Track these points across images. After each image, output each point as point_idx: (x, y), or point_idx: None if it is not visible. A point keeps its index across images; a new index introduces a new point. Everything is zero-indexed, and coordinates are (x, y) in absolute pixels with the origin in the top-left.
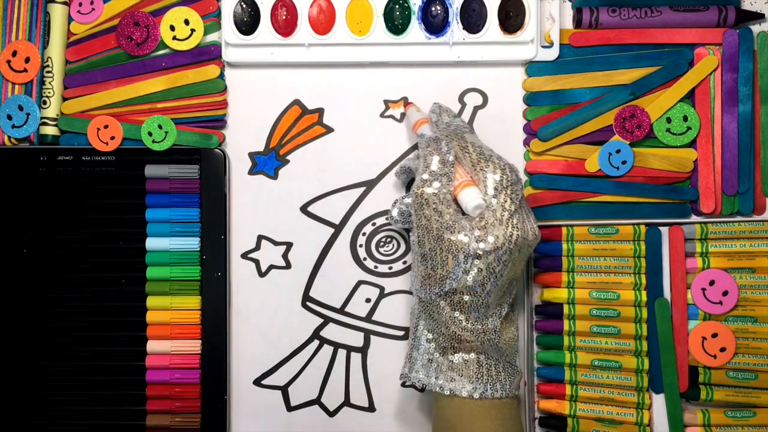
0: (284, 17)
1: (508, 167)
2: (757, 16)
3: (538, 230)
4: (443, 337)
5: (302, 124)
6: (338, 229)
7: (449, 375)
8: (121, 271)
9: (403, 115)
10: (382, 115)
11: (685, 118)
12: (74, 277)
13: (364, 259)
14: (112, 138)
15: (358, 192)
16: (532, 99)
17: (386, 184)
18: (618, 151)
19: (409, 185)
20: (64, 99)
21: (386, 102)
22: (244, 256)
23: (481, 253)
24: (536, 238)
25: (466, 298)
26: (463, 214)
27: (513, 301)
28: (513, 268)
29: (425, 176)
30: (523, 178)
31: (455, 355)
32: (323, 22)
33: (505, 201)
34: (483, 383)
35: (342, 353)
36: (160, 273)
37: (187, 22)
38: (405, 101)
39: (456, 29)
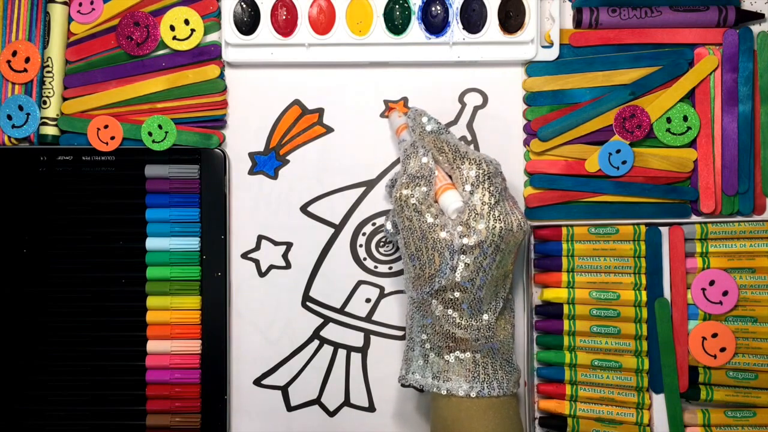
0: (284, 17)
1: (485, 161)
2: (757, 16)
3: (525, 222)
4: (438, 337)
5: (302, 124)
6: (338, 229)
7: (445, 375)
8: (121, 271)
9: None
10: (382, 115)
11: (685, 118)
12: (74, 277)
13: (364, 259)
14: (112, 138)
15: (358, 192)
16: (532, 99)
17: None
18: (618, 151)
19: None
20: (64, 99)
21: (386, 102)
22: (244, 256)
23: (466, 248)
24: (521, 229)
25: (457, 294)
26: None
27: (508, 296)
28: (502, 262)
29: (403, 179)
30: (523, 177)
31: (451, 354)
32: (323, 22)
33: (484, 195)
34: (480, 382)
35: (342, 353)
36: (160, 273)
37: (187, 22)
38: (404, 101)
39: (456, 29)
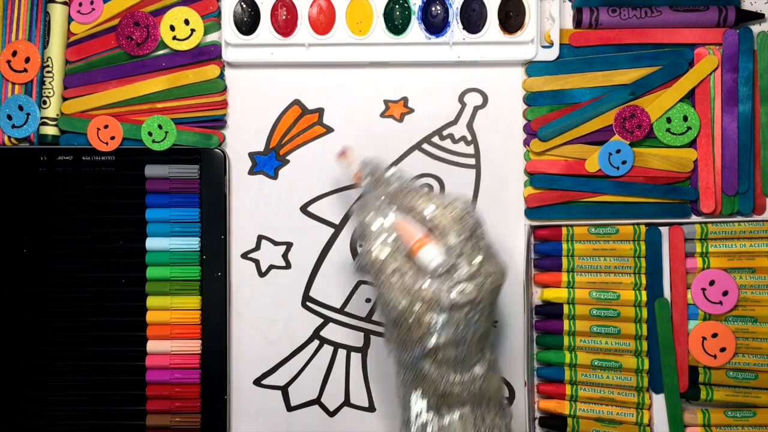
0: (284, 17)
1: (463, 214)
2: (757, 16)
3: (505, 264)
4: (434, 398)
5: (302, 124)
6: (338, 229)
7: None
8: (121, 271)
9: (403, 115)
10: (382, 115)
11: (685, 118)
12: (74, 277)
13: None
14: (112, 138)
15: (358, 192)
16: (532, 99)
17: None
18: (618, 151)
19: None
20: (64, 99)
21: (386, 102)
22: (244, 256)
23: (455, 306)
24: (504, 275)
25: (451, 352)
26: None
27: (492, 342)
28: (491, 312)
29: (377, 242)
30: (523, 177)
31: (446, 416)
32: (323, 22)
33: (471, 256)
34: None
35: (342, 353)
36: (160, 273)
37: (187, 22)
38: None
39: (456, 29)
